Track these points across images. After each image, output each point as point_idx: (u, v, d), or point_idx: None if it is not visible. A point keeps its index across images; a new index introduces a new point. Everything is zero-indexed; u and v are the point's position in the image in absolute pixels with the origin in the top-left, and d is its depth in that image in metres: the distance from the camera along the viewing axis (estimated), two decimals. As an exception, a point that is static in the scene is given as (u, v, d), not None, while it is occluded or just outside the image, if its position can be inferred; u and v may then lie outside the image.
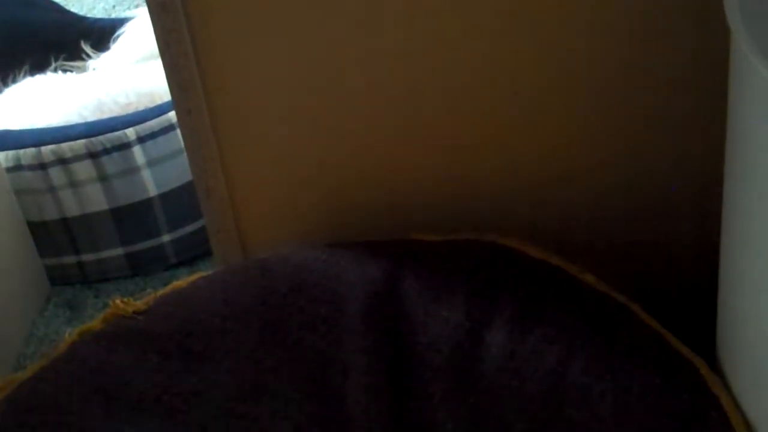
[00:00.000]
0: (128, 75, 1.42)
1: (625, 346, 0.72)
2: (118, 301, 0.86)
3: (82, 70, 1.61)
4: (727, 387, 0.70)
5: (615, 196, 0.92)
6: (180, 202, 1.31)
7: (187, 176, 1.27)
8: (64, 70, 1.60)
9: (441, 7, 0.83)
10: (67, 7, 1.89)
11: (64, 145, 1.25)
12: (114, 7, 2.02)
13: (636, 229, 0.95)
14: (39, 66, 1.61)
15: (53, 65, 1.62)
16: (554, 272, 0.80)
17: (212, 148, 0.92)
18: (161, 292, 0.87)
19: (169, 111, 1.28)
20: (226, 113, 0.91)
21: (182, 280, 0.89)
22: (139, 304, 0.85)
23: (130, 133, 1.26)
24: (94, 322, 0.86)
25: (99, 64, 1.57)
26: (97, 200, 1.28)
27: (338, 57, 0.86)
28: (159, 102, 1.34)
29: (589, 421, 0.68)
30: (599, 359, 0.71)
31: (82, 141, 1.25)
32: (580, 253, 0.83)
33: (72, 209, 1.28)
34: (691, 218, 0.94)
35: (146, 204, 1.30)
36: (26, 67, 1.59)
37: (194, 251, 1.37)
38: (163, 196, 1.30)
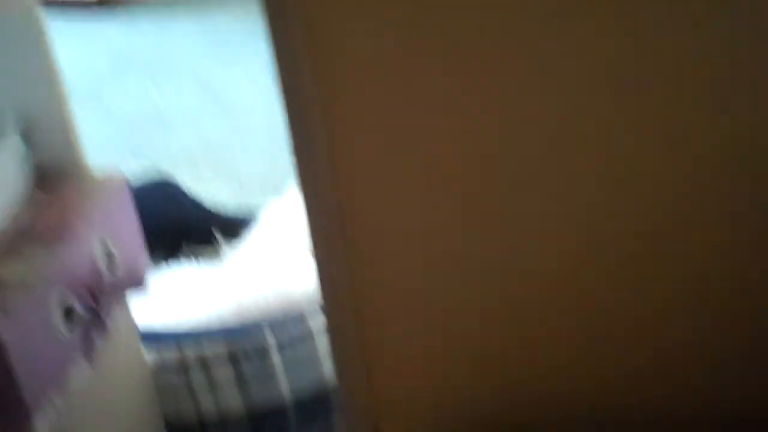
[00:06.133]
0: (265, 274, 1.45)
1: None
2: None
3: (215, 257, 1.63)
4: None
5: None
6: (312, 409, 1.32)
7: (320, 384, 1.29)
8: (196, 257, 1.63)
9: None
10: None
11: (206, 348, 1.27)
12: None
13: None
14: (171, 252, 1.66)
15: (185, 251, 1.66)
16: None
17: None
18: None
19: (310, 319, 1.30)
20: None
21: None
22: None
23: (271, 339, 1.28)
24: None
25: (233, 256, 1.60)
26: (234, 404, 1.29)
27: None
28: (296, 302, 1.36)
29: None
30: None
31: (223, 344, 1.27)
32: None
33: (210, 411, 1.30)
34: None
35: (280, 408, 1.31)
36: (161, 256, 1.64)
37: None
38: (298, 402, 1.31)
